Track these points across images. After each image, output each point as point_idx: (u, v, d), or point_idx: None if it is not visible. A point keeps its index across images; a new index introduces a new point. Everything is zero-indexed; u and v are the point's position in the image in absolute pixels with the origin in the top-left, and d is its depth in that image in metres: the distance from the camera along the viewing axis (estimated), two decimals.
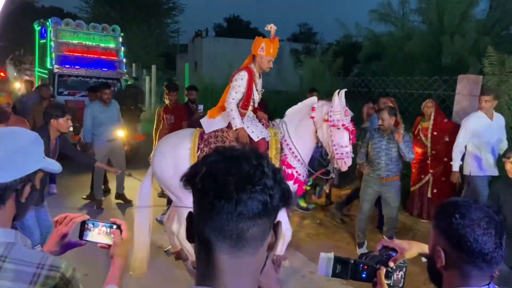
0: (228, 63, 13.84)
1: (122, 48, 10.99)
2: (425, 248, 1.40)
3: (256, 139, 3.80)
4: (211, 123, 3.97)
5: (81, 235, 1.52)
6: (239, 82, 3.80)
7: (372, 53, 11.80)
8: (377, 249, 1.44)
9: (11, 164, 1.15)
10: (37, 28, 11.44)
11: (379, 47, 11.38)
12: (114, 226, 1.53)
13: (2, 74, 19.75)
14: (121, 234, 1.51)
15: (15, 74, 19.78)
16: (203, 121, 4.05)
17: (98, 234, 1.53)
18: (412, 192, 5.81)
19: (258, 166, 0.78)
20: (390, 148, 4.59)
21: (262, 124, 4.02)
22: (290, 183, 3.77)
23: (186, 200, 3.86)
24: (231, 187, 0.74)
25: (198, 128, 4.07)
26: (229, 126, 3.90)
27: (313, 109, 3.80)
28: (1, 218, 1.15)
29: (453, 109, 5.80)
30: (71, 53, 10.15)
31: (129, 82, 11.39)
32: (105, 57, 10.58)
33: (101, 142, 6.05)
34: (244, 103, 3.87)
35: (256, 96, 3.96)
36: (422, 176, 5.63)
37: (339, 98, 3.69)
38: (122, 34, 11.10)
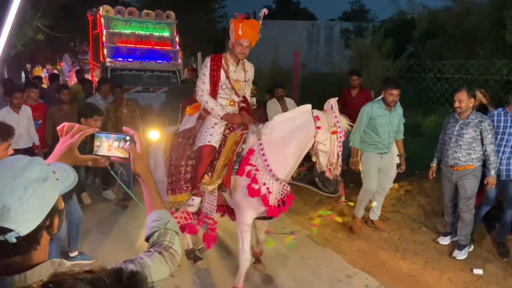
0: (275, 46, 13.55)
1: (177, 37, 9.99)
2: None
3: (197, 147, 3.42)
4: (186, 120, 3.71)
5: (91, 150, 1.38)
6: (203, 70, 3.42)
7: (427, 31, 11.16)
8: None
9: (29, 210, 0.94)
10: (90, 18, 10.63)
11: (435, 24, 10.77)
12: (127, 138, 1.36)
13: (60, 65, 20.69)
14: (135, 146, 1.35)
15: (70, 66, 20.22)
16: (185, 118, 3.85)
17: (110, 148, 1.36)
18: None
19: None
20: (461, 134, 4.24)
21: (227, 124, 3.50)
22: (255, 199, 3.32)
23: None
24: None
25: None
26: (196, 125, 3.58)
27: (317, 117, 3.27)
28: (39, 255, 1.00)
29: None
30: (124, 44, 9.41)
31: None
32: (159, 47, 9.66)
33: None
34: (210, 93, 3.43)
35: (225, 85, 3.43)
36: None
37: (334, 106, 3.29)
38: (176, 21, 10.07)
